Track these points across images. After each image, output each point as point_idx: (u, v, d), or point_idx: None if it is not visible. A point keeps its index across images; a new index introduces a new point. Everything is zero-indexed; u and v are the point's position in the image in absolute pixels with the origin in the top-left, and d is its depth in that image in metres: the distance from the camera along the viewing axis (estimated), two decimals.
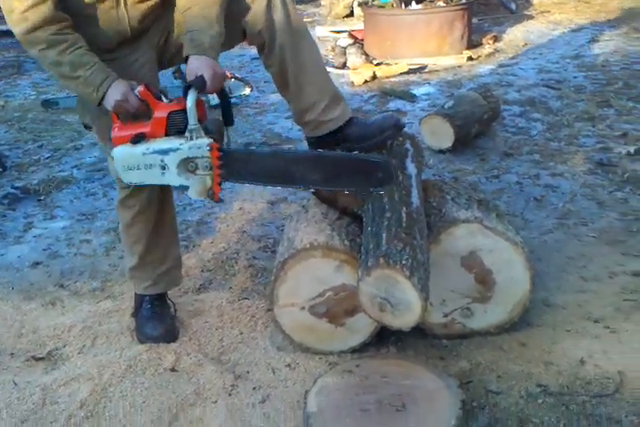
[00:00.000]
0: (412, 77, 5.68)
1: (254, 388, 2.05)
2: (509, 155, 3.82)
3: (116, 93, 1.95)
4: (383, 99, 5.10)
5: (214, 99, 4.88)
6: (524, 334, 2.20)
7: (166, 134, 1.97)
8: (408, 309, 1.79)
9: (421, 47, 6.05)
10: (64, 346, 2.34)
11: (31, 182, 3.91)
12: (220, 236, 3.12)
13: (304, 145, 2.53)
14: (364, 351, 2.15)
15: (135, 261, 2.32)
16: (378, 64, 5.92)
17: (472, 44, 6.32)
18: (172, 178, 1.98)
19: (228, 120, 2.08)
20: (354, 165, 1.96)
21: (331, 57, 6.30)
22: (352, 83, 5.51)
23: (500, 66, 5.81)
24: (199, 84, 1.91)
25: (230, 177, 2.01)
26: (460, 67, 5.91)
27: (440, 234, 2.11)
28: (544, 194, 3.30)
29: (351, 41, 6.17)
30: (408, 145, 2.38)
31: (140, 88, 1.96)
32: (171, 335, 2.30)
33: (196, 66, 1.94)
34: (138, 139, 1.96)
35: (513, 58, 6.06)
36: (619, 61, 5.59)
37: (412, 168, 2.27)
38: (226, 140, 2.07)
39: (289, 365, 2.15)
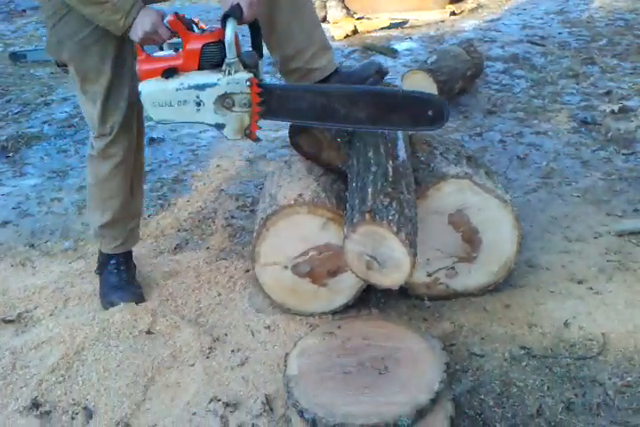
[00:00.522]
0: (394, 32, 5.54)
1: (233, 350, 2.01)
2: (492, 112, 3.75)
3: (145, 24, 1.78)
4: (364, 54, 4.96)
5: None
6: (508, 295, 2.17)
7: (199, 68, 1.83)
8: (396, 266, 1.74)
9: (403, 1, 5.89)
10: (35, 308, 2.26)
11: None
12: (196, 194, 3.03)
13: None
14: (346, 313, 2.11)
15: (108, 218, 2.19)
16: (359, 18, 5.75)
17: None
18: (208, 115, 1.85)
19: (258, 52, 1.93)
20: (404, 102, 1.80)
21: None
22: (332, 37, 5.34)
23: (484, 21, 5.69)
24: (238, 14, 1.76)
25: (269, 114, 1.88)
26: (442, 22, 5.77)
27: (428, 189, 2.04)
28: (527, 152, 3.24)
29: None
30: None
31: (170, 17, 1.80)
32: (137, 298, 2.21)
33: None
34: (170, 73, 1.81)
35: (496, 13, 5.93)
36: (603, 17, 5.49)
37: None
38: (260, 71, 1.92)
39: (268, 327, 2.10)
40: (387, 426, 1.55)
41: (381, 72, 2.21)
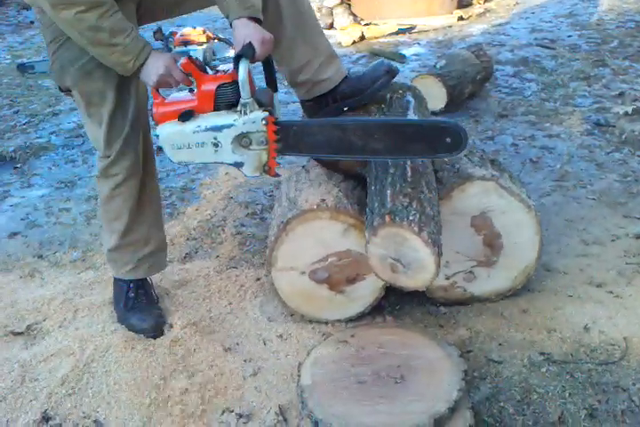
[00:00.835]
0: (402, 38, 5.52)
1: (245, 360, 1.96)
2: (504, 116, 3.71)
3: (158, 67, 1.78)
4: (372, 60, 4.93)
5: None
6: (525, 299, 2.11)
7: (215, 109, 1.83)
8: (421, 267, 1.69)
9: (410, 7, 5.87)
10: (44, 320, 2.23)
11: (7, 149, 3.75)
12: (205, 202, 3.00)
13: (294, 106, 2.39)
14: (360, 320, 2.06)
15: (114, 242, 2.12)
16: (366, 25, 5.74)
17: (462, 4, 6.15)
18: (226, 155, 1.84)
19: (272, 87, 1.93)
20: (420, 131, 1.77)
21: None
22: (340, 44, 5.34)
23: (492, 25, 5.66)
24: (250, 54, 1.75)
25: (287, 150, 1.87)
26: (450, 27, 5.75)
27: (452, 190, 1.99)
28: (540, 155, 3.20)
29: (338, 1, 5.96)
30: (409, 97, 2.24)
31: (183, 60, 1.80)
32: (159, 329, 2.10)
33: (245, 33, 1.77)
34: (187, 116, 1.81)
35: (504, 17, 5.91)
36: (614, 19, 5.45)
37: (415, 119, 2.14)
38: (276, 108, 1.92)
39: (281, 335, 2.06)
40: None
41: (392, 72, 2.17)
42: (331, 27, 5.80)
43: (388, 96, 2.20)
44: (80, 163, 3.58)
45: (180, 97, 1.87)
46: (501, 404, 1.73)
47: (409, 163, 1.90)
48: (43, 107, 4.49)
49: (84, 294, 2.36)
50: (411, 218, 1.68)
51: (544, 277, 2.22)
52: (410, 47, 5.21)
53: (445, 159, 1.94)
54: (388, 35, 5.58)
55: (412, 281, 1.73)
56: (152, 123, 1.97)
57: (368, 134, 1.79)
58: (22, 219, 2.99)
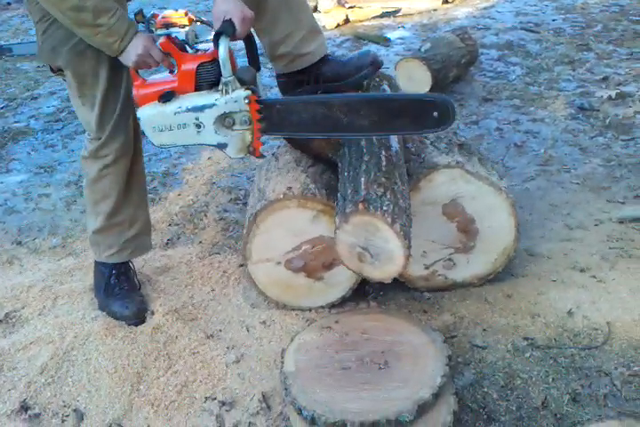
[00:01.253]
0: (386, 21, 5.47)
1: (228, 347, 1.95)
2: (488, 100, 3.69)
3: (137, 48, 1.73)
4: (356, 43, 4.90)
5: None
6: (509, 284, 2.11)
7: (196, 89, 1.78)
8: (390, 259, 1.67)
9: None
10: (22, 307, 2.19)
11: None
12: (187, 188, 2.96)
13: (276, 92, 2.35)
14: (343, 306, 2.05)
15: (100, 223, 2.08)
16: (350, 7, 5.67)
17: None
18: (209, 136, 1.81)
19: (255, 66, 1.87)
20: (406, 106, 1.73)
21: None
22: (324, 27, 5.26)
23: (477, 9, 5.62)
24: (230, 31, 1.71)
25: (271, 130, 1.83)
26: (435, 10, 5.71)
27: (420, 181, 1.98)
28: (525, 140, 3.19)
29: None
30: (385, 86, 2.22)
31: (162, 39, 1.76)
32: (141, 316, 2.07)
33: (224, 9, 1.73)
34: (167, 97, 1.77)
35: (489, 1, 5.86)
36: (598, 4, 5.43)
37: None
38: (259, 87, 1.87)
39: (264, 322, 2.04)
40: (388, 422, 1.50)
41: (376, 63, 2.15)
42: (315, 10, 5.71)
43: (366, 82, 2.17)
44: (60, 148, 3.52)
45: (161, 78, 1.82)
46: (485, 389, 1.73)
47: (383, 152, 1.88)
48: (21, 90, 4.41)
49: (64, 281, 2.32)
50: (385, 208, 1.66)
51: (528, 262, 2.22)
52: (394, 30, 5.17)
53: (432, 134, 1.88)
54: (372, 18, 5.52)
55: (378, 272, 1.72)
56: None
57: (354, 110, 1.75)
58: (0, 205, 2.94)
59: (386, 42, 4.82)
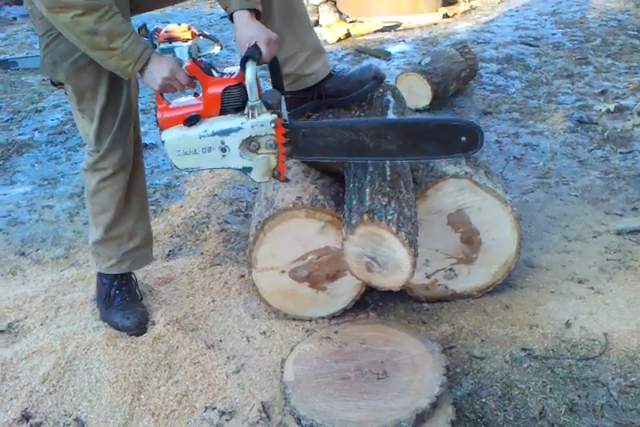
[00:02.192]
0: (387, 35, 5.53)
1: (228, 357, 1.96)
2: (488, 113, 3.72)
3: (162, 71, 1.74)
4: (357, 57, 4.94)
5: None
6: (508, 296, 2.13)
7: (221, 112, 1.78)
8: (397, 267, 1.70)
9: (395, 4, 5.86)
10: (25, 317, 2.21)
11: None
12: (189, 199, 2.99)
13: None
14: (343, 317, 2.07)
15: (99, 235, 2.10)
16: (351, 22, 5.74)
17: (447, 2, 6.15)
18: (234, 160, 1.80)
19: (279, 89, 1.87)
20: (434, 130, 1.75)
21: None
22: (325, 41, 5.33)
23: (477, 23, 5.68)
24: (257, 55, 1.72)
25: (296, 154, 1.83)
26: (435, 24, 5.77)
27: (427, 189, 2.00)
28: (524, 153, 3.22)
29: None
30: (389, 96, 2.25)
31: (188, 63, 1.76)
32: (142, 327, 2.09)
33: (249, 35, 1.75)
34: (192, 121, 1.77)
35: (489, 15, 5.92)
36: (596, 18, 5.49)
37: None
38: (284, 110, 1.88)
39: (264, 332, 2.06)
40: None
41: (379, 77, 2.19)
42: (316, 24, 5.78)
43: (368, 96, 2.20)
44: (63, 160, 3.56)
45: (185, 101, 1.83)
46: (483, 399, 1.74)
47: (388, 163, 1.90)
48: (25, 104, 4.45)
49: (67, 292, 2.34)
50: (389, 218, 1.69)
51: (526, 274, 2.24)
52: (395, 45, 5.22)
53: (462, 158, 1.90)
54: (373, 32, 5.58)
55: (386, 281, 1.74)
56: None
57: (381, 135, 1.75)
58: (4, 216, 2.97)
59: (386, 56, 4.86)
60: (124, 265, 2.15)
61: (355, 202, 1.79)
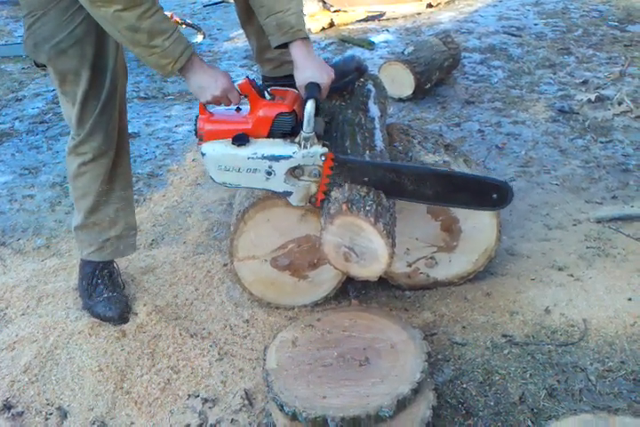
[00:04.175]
0: (371, 25, 5.51)
1: (211, 345, 1.97)
2: (470, 103, 3.73)
3: (215, 88, 1.75)
4: (341, 46, 4.93)
5: None
6: (489, 283, 2.15)
7: (268, 135, 1.80)
8: (374, 257, 1.71)
9: None
10: (6, 307, 2.20)
11: None
12: (172, 189, 2.98)
13: None
14: (326, 305, 2.08)
15: (80, 220, 2.09)
16: (335, 11, 5.71)
17: None
18: (277, 184, 1.83)
19: (317, 111, 1.87)
20: (471, 184, 1.83)
21: None
22: (309, 30, 5.29)
23: (460, 13, 5.67)
24: (317, 95, 1.78)
25: (337, 184, 1.85)
26: (419, 14, 5.75)
27: None
28: (506, 142, 3.23)
29: None
30: (370, 86, 2.25)
31: (243, 81, 1.77)
32: (124, 317, 2.08)
33: (309, 75, 1.80)
34: (242, 141, 1.78)
35: (472, 5, 5.92)
36: (578, 8, 5.51)
37: (374, 110, 2.15)
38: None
39: (247, 321, 2.07)
40: (368, 417, 1.52)
41: (361, 69, 2.20)
42: None
43: (350, 87, 2.20)
44: (44, 149, 3.52)
45: (229, 116, 1.83)
46: (464, 385, 1.76)
47: (367, 152, 1.92)
48: (5, 92, 4.39)
49: (48, 281, 2.33)
50: (367, 208, 1.70)
51: (507, 262, 2.26)
52: (379, 34, 5.21)
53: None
54: (357, 21, 5.56)
55: (364, 271, 1.75)
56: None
57: (421, 181, 1.80)
58: None
59: (370, 45, 4.85)
60: (104, 252, 2.14)
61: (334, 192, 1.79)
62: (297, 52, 1.84)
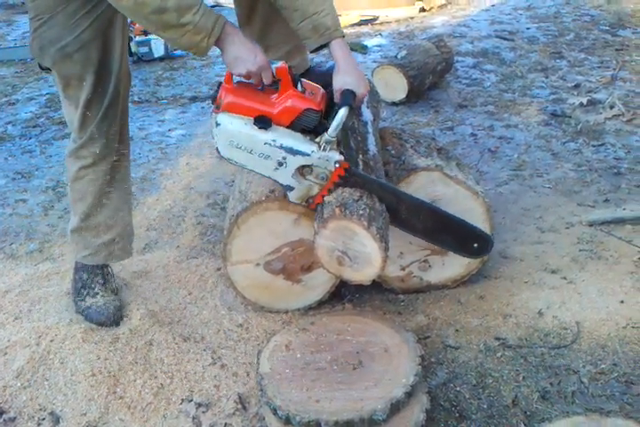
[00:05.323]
0: (364, 29, 5.54)
1: (204, 349, 1.96)
2: (463, 106, 3.75)
3: (251, 63, 1.70)
4: None
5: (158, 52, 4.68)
6: (482, 286, 2.15)
7: (289, 126, 1.77)
8: (368, 261, 1.71)
9: None
10: None
11: None
12: (165, 193, 2.98)
13: None
14: (319, 309, 2.07)
15: (76, 223, 2.09)
16: None
17: None
18: (284, 176, 1.81)
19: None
20: (458, 229, 1.89)
21: None
22: None
23: (453, 17, 5.72)
24: (351, 102, 1.77)
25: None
26: (412, 18, 5.79)
27: (399, 183, 2.02)
28: (498, 145, 3.25)
29: None
30: None
31: (281, 65, 1.72)
32: (117, 321, 2.07)
33: (348, 81, 1.79)
34: (265, 124, 1.74)
35: (465, 9, 5.96)
36: (570, 13, 5.56)
37: (367, 114, 2.16)
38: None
39: (241, 325, 2.06)
40: (362, 421, 1.52)
41: None
42: None
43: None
44: (37, 153, 3.51)
45: (255, 93, 1.77)
46: (457, 388, 1.76)
47: (360, 157, 1.92)
48: None
49: (41, 286, 2.32)
50: (361, 212, 1.70)
51: (500, 265, 2.27)
52: (372, 38, 5.23)
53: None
54: (350, 26, 5.59)
55: (357, 275, 1.75)
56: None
57: (416, 213, 1.84)
58: None
59: (363, 49, 4.87)
60: (98, 256, 2.13)
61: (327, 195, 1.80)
62: (338, 53, 1.82)
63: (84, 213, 2.06)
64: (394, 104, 3.78)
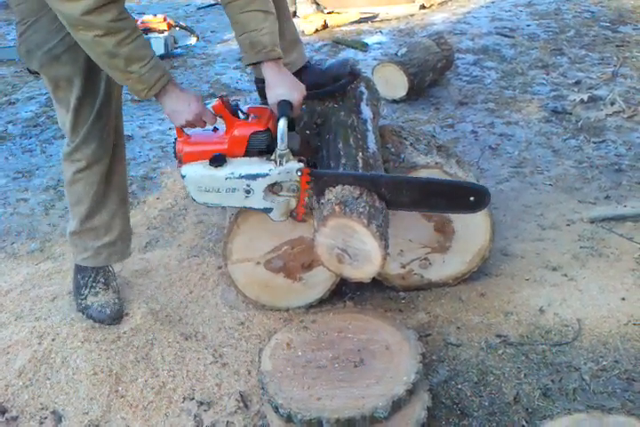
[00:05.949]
0: (364, 26, 5.53)
1: (206, 348, 1.96)
2: (464, 104, 3.75)
3: (188, 112, 1.77)
4: (335, 48, 4.94)
5: (158, 50, 4.67)
6: (483, 284, 2.15)
7: (245, 154, 1.82)
8: (367, 259, 1.71)
9: None
10: (0, 311, 2.18)
11: None
12: (166, 191, 2.98)
13: (256, 97, 2.38)
14: (320, 306, 2.08)
15: (75, 226, 2.09)
16: (329, 13, 5.73)
17: None
18: (256, 201, 1.84)
19: (292, 126, 1.89)
20: (445, 190, 1.86)
21: None
22: (302, 32, 5.31)
23: (453, 14, 5.70)
24: (289, 112, 1.79)
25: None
26: (412, 15, 5.77)
27: None
28: (499, 142, 3.25)
29: None
30: (363, 88, 2.26)
31: (216, 103, 1.79)
32: (119, 319, 2.08)
33: (281, 93, 1.81)
34: (219, 161, 1.80)
35: (465, 6, 5.94)
36: (570, 9, 5.53)
37: (367, 112, 2.16)
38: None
39: (242, 323, 2.06)
40: (363, 419, 1.52)
41: (354, 74, 2.21)
42: (294, 15, 5.76)
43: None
44: (38, 152, 3.51)
45: (206, 136, 1.85)
46: (459, 386, 1.76)
47: (360, 154, 1.92)
48: None
49: (43, 285, 2.32)
50: (360, 210, 1.70)
51: (501, 262, 2.27)
52: (372, 36, 5.22)
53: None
54: (350, 23, 5.58)
55: (357, 272, 1.75)
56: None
57: (398, 189, 1.83)
58: None
59: (363, 47, 4.87)
60: (98, 258, 2.14)
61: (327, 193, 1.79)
62: (268, 71, 1.85)
63: (82, 217, 2.07)
64: (394, 102, 3.78)
